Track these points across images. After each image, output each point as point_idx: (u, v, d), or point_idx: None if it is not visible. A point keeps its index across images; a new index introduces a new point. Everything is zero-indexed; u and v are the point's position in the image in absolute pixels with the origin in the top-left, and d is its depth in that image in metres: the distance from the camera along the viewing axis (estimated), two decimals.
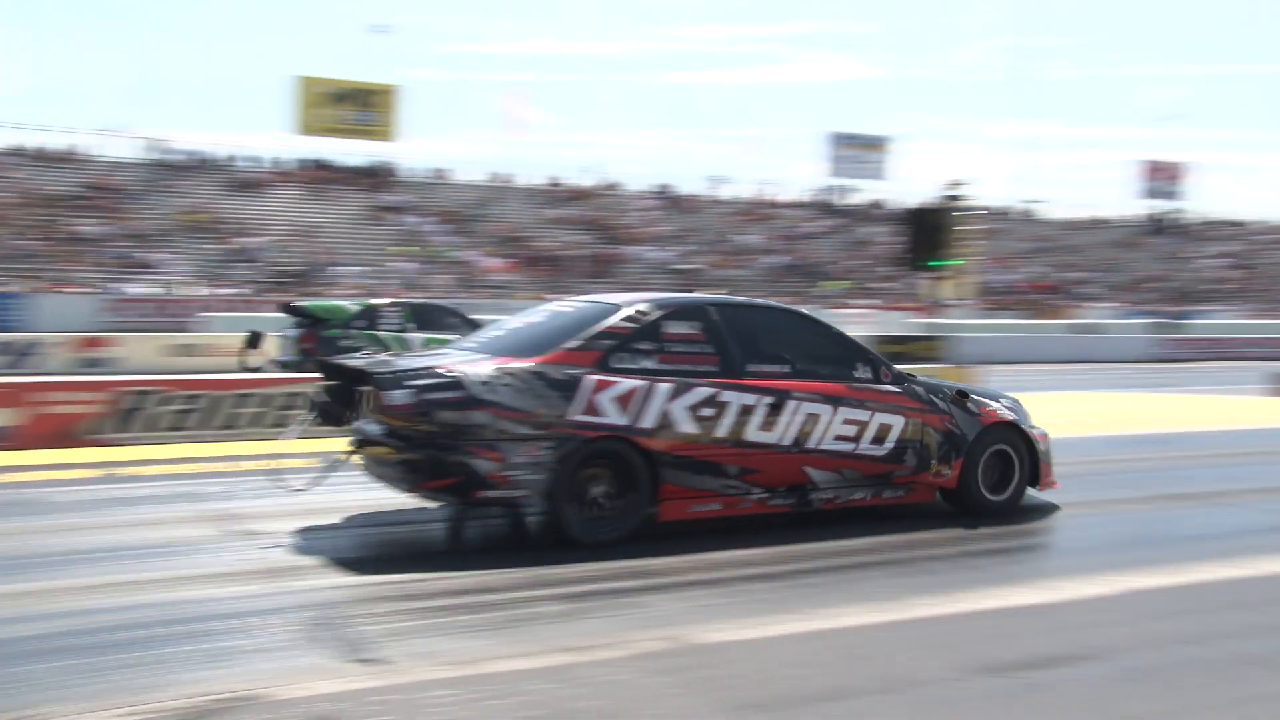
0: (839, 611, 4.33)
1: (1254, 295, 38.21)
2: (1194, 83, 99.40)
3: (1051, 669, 3.79)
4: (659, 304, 4.93)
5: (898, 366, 5.57)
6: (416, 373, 4.08)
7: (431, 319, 12.89)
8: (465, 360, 4.23)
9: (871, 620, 4.25)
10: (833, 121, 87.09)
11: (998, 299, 33.13)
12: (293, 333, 12.41)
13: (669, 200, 39.20)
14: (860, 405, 5.15)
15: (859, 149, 43.57)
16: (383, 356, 4.61)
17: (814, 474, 5.03)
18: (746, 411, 4.74)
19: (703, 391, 4.63)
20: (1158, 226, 46.82)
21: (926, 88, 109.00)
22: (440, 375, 4.01)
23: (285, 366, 11.69)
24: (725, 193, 41.13)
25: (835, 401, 5.07)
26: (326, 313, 12.61)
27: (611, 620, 4.16)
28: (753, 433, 4.72)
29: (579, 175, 39.98)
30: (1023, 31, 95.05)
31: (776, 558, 4.98)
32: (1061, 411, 11.36)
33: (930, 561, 5.19)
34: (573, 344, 4.34)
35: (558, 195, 37.38)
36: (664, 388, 4.48)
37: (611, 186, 39.46)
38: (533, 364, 4.16)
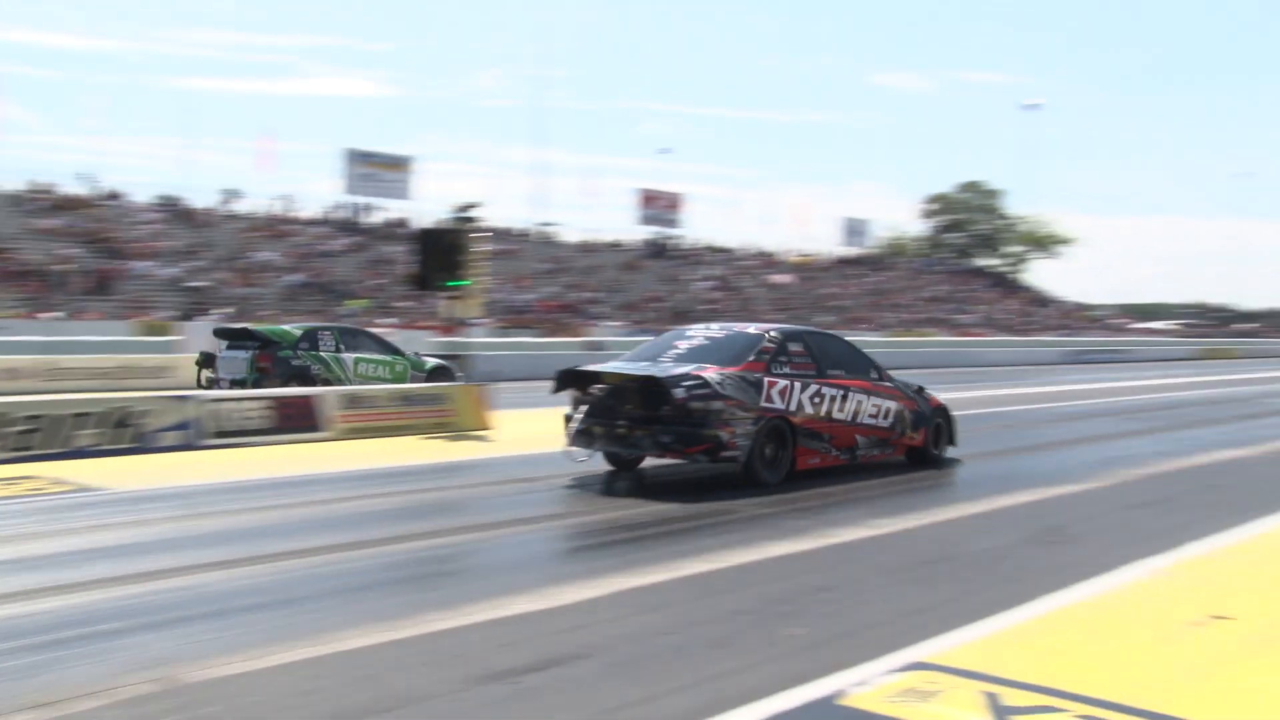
0: (341, 635, 4.31)
1: (736, 314, 42.18)
2: (685, 120, 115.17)
3: (545, 671, 3.96)
4: (781, 331, 7.62)
5: (890, 371, 8.75)
6: (683, 378, 6.24)
7: (355, 342, 15.13)
8: (693, 369, 6.48)
9: (378, 640, 4.27)
10: (350, 138, 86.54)
11: (516, 317, 34.26)
12: (244, 354, 13.89)
13: (177, 213, 37.70)
14: (878, 395, 7.91)
15: (378, 167, 43.83)
16: (643, 366, 6.75)
17: (859, 439, 7.72)
18: (832, 400, 7.36)
19: (813, 387, 7.19)
20: (657, 250, 50.73)
21: (445, 110, 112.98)
22: (697, 379, 6.17)
23: (241, 384, 13.41)
24: (239, 207, 40.23)
25: (868, 393, 7.74)
26: (277, 335, 14.24)
27: (95, 665, 3.95)
28: (835, 413, 7.36)
29: (70, 182, 37.24)
30: (534, 61, 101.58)
31: (274, 585, 5.08)
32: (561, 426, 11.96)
33: (435, 578, 5.40)
34: (752, 357, 6.78)
35: (44, 203, 34.70)
36: (796, 385, 6.98)
37: (111, 196, 37.34)
38: (737, 371, 6.44)
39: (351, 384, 14.23)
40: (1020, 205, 72.45)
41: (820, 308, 47.18)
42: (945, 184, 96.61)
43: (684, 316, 38.69)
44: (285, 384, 13.40)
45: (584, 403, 7.31)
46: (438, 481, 8.20)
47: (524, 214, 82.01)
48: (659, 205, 53.66)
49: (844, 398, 7.83)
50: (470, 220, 11.78)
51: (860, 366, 8.39)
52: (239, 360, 13.95)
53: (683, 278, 46.78)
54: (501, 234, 44.44)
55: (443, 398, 11.20)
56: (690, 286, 45.64)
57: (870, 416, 8.08)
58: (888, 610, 4.81)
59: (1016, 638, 4.26)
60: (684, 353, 7.47)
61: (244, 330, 14.57)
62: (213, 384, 13.79)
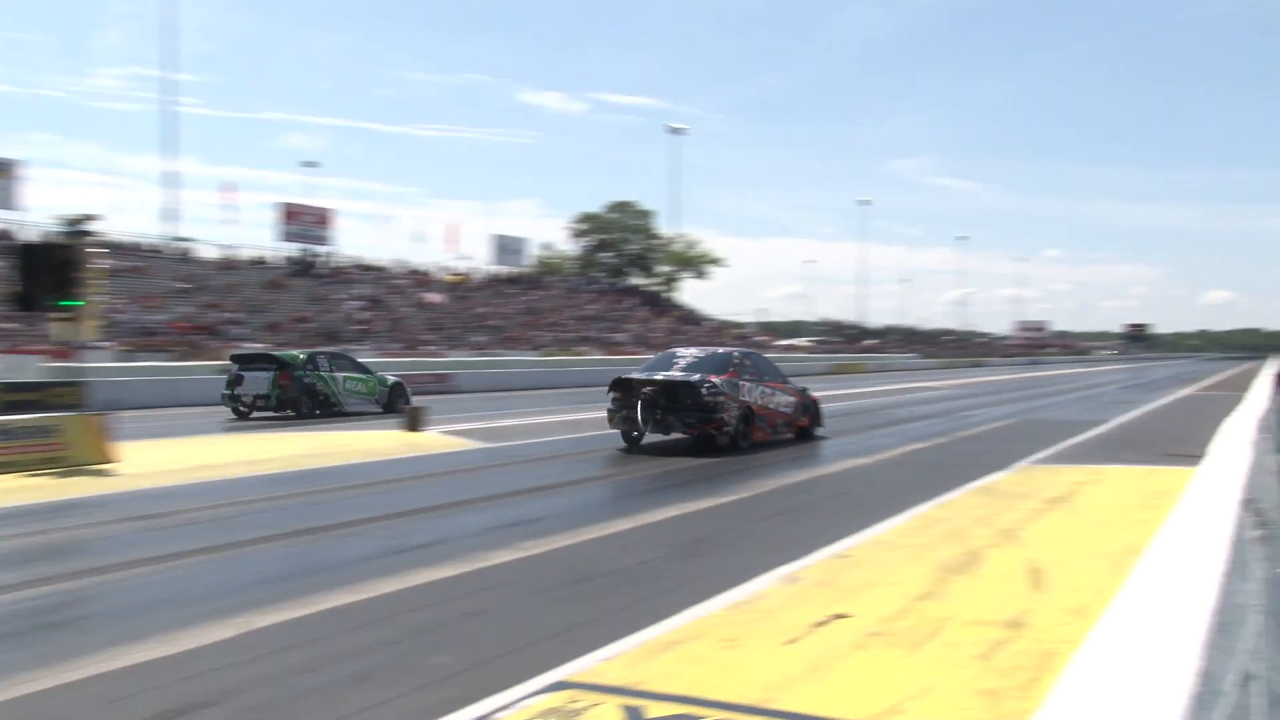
0: None
1: (388, 334, 41.60)
2: (331, 134, 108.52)
3: None
4: (740, 352, 11.94)
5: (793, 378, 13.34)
6: (703, 381, 10.17)
7: (340, 363, 18.86)
8: (700, 376, 10.42)
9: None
10: None
11: (146, 340, 32.24)
12: (266, 374, 17.56)
13: None
14: (786, 393, 11.80)
15: None
16: (670, 375, 11.00)
17: (779, 421, 11.38)
18: (768, 396, 11.22)
19: (760, 388, 11.13)
20: (304, 268, 48.78)
21: (56, 110, 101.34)
22: (710, 382, 9.96)
23: (266, 399, 17.14)
24: None
25: (783, 392, 11.56)
26: (289, 359, 17.95)
27: None
28: (770, 404, 11.17)
29: None
30: (161, 63, 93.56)
31: None
32: (198, 455, 11.49)
33: (36, 632, 4.94)
34: (731, 368, 10.63)
35: None
36: (753, 386, 10.82)
37: None
38: (725, 377, 10.21)
39: (342, 399, 18.46)
40: (669, 226, 74.75)
41: (474, 327, 47.07)
42: (596, 203, 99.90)
43: (334, 337, 38.04)
44: (299, 399, 17.32)
45: (626, 403, 11.74)
46: (44, 524, 7.77)
47: (154, 228, 76.22)
48: (305, 221, 51.87)
49: (773, 395, 12.65)
50: (85, 233, 11.03)
51: (777, 375, 13.31)
52: (262, 379, 17.69)
53: (332, 297, 45.62)
54: (128, 249, 41.95)
55: (51, 430, 10.57)
56: (340, 306, 44.52)
57: (785, 407, 12.93)
58: (535, 632, 4.87)
59: (659, 650, 4.42)
60: (685, 366, 12.04)
61: (264, 355, 18.74)
62: (236, 401, 17.36)
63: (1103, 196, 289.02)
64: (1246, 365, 73.14)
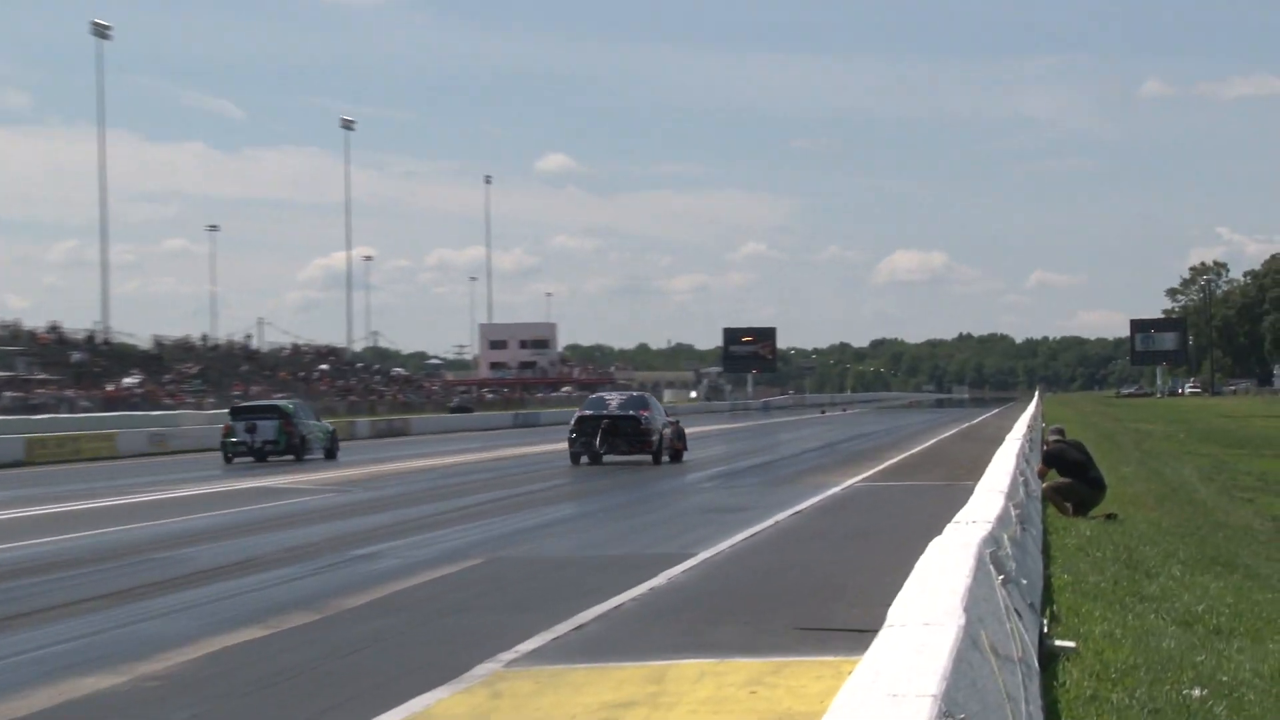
0: None
1: None
2: None
3: None
4: (647, 394, 34.90)
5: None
6: (640, 415, 28.62)
7: (307, 411, 34.82)
8: (635, 411, 29.46)
9: None
10: None
11: None
12: (273, 423, 33.85)
13: None
14: (675, 425, 31.13)
15: None
16: (614, 410, 30.47)
17: (674, 443, 30.76)
18: (668, 425, 30.65)
19: (663, 418, 30.75)
20: None
21: None
22: (645, 418, 28.17)
23: (275, 445, 33.23)
24: None
25: (674, 424, 31.11)
26: (287, 409, 34.44)
27: None
28: (667, 432, 30.13)
29: None
30: None
31: None
32: None
33: None
34: (647, 405, 29.90)
35: None
36: (658, 417, 30.04)
37: None
38: (647, 412, 28.73)
39: (312, 443, 33.61)
40: None
41: None
42: None
43: None
44: (293, 443, 31.61)
45: (585, 433, 29.02)
46: None
47: None
48: None
49: (666, 424, 30.07)
50: None
51: (663, 409, 32.45)
52: (270, 426, 32.28)
53: None
54: None
55: None
56: None
57: (673, 434, 30.17)
58: None
59: None
60: (619, 405, 30.14)
61: (270, 406, 33.74)
62: (240, 447, 31.38)
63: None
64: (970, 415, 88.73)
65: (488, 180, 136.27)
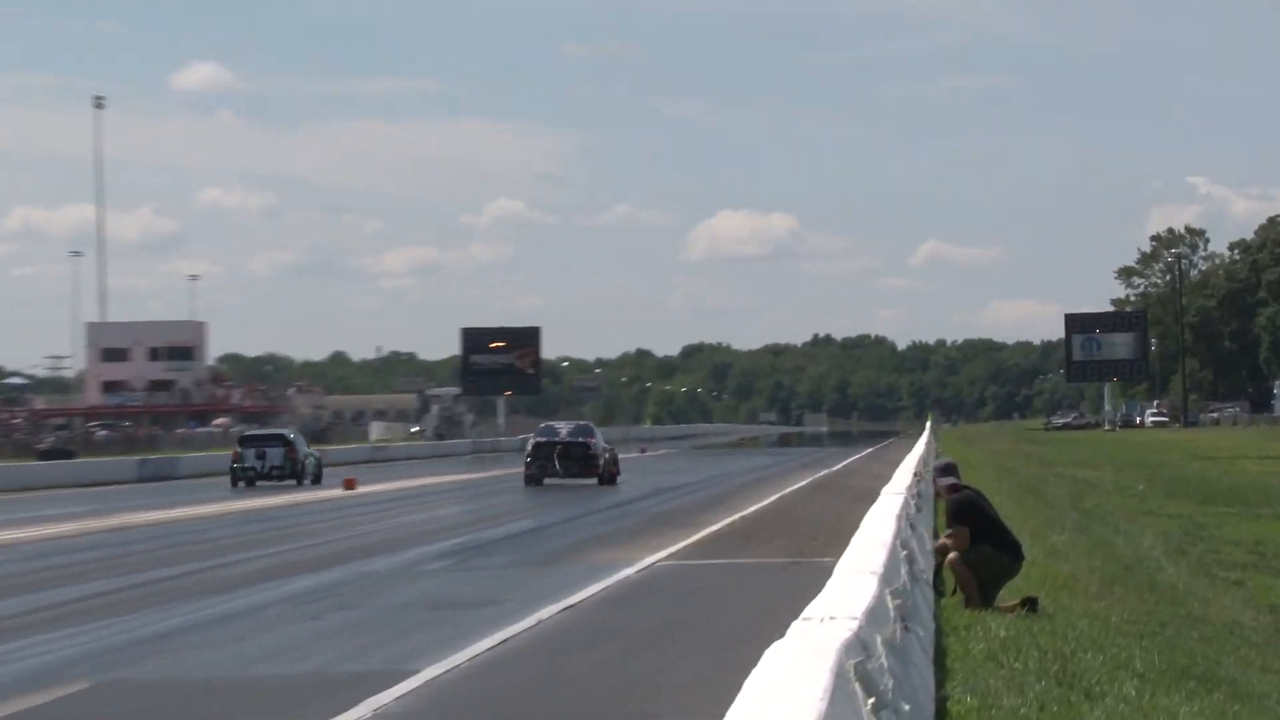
0: None
1: None
2: None
3: None
4: (592, 424, 68.75)
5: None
6: (588, 442, 59.12)
7: (304, 441, 71.32)
8: (584, 438, 59.97)
9: None
10: None
11: None
12: (280, 449, 64.40)
13: None
14: (611, 450, 61.66)
15: None
16: (565, 438, 60.91)
17: (613, 467, 60.39)
18: (607, 450, 60.54)
19: (604, 445, 60.95)
20: None
21: None
22: (592, 444, 58.63)
23: (280, 469, 63.47)
24: None
25: (610, 450, 61.41)
26: (291, 438, 67.47)
27: None
28: (606, 457, 59.37)
29: None
30: None
31: None
32: None
33: None
34: (593, 433, 61.89)
35: None
36: (601, 444, 60.36)
37: None
38: (593, 439, 59.53)
39: (310, 468, 63.90)
40: None
41: None
42: None
43: None
44: (295, 469, 61.85)
45: (541, 456, 57.88)
46: None
47: None
48: None
49: (605, 450, 59.47)
50: None
51: (604, 438, 64.07)
52: (278, 453, 61.66)
53: None
54: None
55: None
56: None
57: (609, 459, 59.27)
58: None
59: None
60: (569, 433, 59.74)
61: (277, 435, 67.27)
62: (249, 471, 61.81)
63: None
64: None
65: (98, 103, 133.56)
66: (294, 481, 60.86)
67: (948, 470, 19.99)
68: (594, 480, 56.39)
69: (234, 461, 63.05)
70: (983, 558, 17.86)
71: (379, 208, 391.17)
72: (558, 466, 56.48)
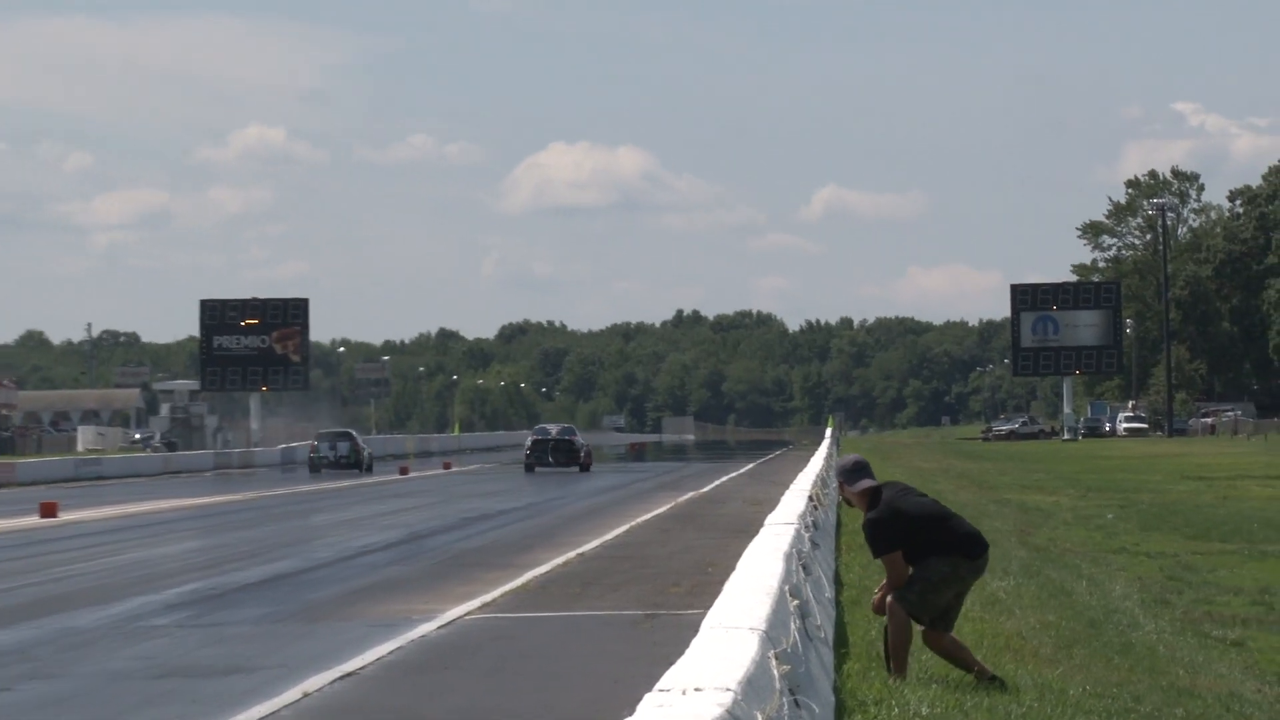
0: None
1: None
2: None
3: None
4: (572, 426, 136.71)
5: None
6: (573, 440, 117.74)
7: (361, 437, 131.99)
8: (569, 437, 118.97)
9: None
10: None
11: None
12: (348, 444, 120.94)
13: None
14: (586, 446, 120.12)
15: None
16: (556, 434, 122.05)
17: (584, 459, 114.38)
18: (585, 444, 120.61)
19: (585, 443, 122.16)
20: None
21: None
22: (575, 441, 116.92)
23: (348, 459, 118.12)
24: None
25: (586, 445, 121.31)
26: (354, 434, 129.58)
27: None
28: (585, 450, 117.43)
29: None
30: None
31: None
32: None
33: None
34: (577, 430, 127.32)
35: None
36: (582, 439, 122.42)
37: None
38: (579, 437, 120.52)
39: (369, 461, 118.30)
40: None
41: None
42: None
43: None
44: (359, 459, 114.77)
45: (539, 449, 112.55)
46: None
47: None
48: None
49: (584, 445, 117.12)
50: None
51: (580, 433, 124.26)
52: (346, 445, 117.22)
53: None
54: None
55: None
56: None
57: (588, 452, 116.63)
58: None
59: None
60: (559, 431, 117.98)
61: (344, 431, 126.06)
62: (323, 460, 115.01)
63: None
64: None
65: None
66: (357, 470, 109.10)
67: (857, 470, 18.84)
68: (576, 469, 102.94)
69: (311, 453, 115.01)
70: (931, 582, 17.86)
71: (86, 137, 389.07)
72: (550, 459, 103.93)
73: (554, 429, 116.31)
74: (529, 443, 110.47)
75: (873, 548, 18.31)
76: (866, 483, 18.46)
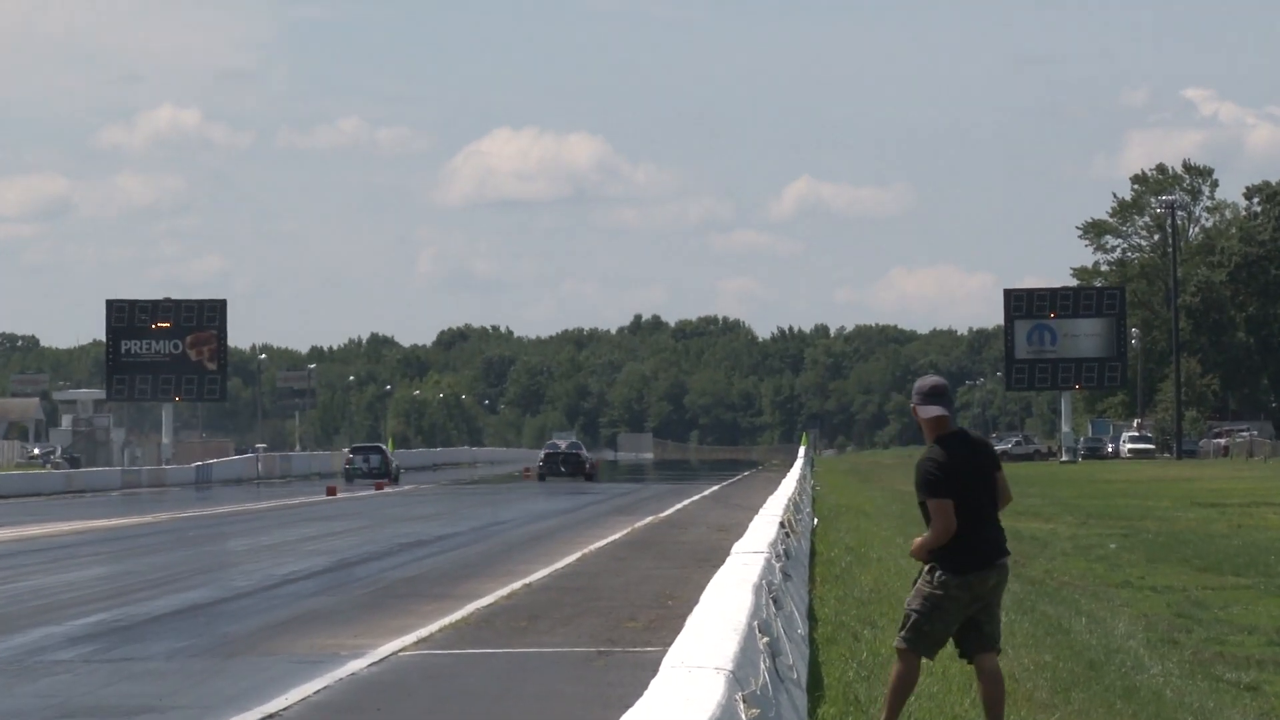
0: None
1: None
2: None
3: None
4: (576, 439, 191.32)
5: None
6: (580, 454, 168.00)
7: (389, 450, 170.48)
8: (576, 449, 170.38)
9: None
10: None
11: None
12: (379, 456, 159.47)
13: None
14: (593, 459, 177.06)
15: None
16: (564, 448, 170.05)
17: (591, 470, 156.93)
18: (590, 458, 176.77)
19: (589, 455, 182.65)
20: None
21: None
22: (583, 454, 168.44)
23: (378, 471, 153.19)
24: None
25: (590, 458, 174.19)
26: (384, 448, 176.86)
27: None
28: (591, 462, 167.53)
29: None
30: None
31: None
32: None
33: None
34: (581, 445, 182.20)
35: None
36: (587, 451, 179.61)
37: None
38: (584, 451, 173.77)
39: (396, 473, 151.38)
40: None
41: None
42: None
43: None
44: (388, 470, 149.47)
45: (549, 463, 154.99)
46: None
47: None
48: None
49: (590, 458, 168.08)
50: None
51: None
52: (378, 458, 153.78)
53: None
54: None
55: None
56: None
57: (593, 463, 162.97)
58: None
59: None
60: (568, 445, 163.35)
61: (374, 446, 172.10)
62: (357, 471, 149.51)
63: None
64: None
65: None
66: (387, 479, 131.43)
67: (935, 394, 18.64)
68: (583, 478, 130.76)
69: (346, 465, 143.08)
70: (938, 607, 17.90)
71: None
72: (562, 469, 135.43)
73: (563, 444, 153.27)
74: (541, 456, 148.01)
75: (923, 486, 18.22)
76: (938, 410, 18.36)
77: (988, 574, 18.07)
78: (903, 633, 17.85)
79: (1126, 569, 43.41)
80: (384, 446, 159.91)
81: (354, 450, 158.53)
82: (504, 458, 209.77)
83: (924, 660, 18.29)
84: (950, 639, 18.05)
